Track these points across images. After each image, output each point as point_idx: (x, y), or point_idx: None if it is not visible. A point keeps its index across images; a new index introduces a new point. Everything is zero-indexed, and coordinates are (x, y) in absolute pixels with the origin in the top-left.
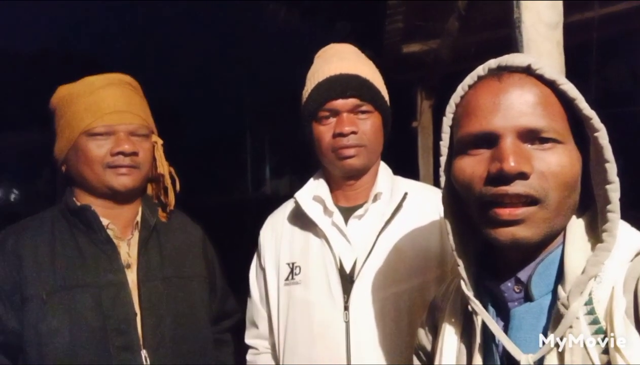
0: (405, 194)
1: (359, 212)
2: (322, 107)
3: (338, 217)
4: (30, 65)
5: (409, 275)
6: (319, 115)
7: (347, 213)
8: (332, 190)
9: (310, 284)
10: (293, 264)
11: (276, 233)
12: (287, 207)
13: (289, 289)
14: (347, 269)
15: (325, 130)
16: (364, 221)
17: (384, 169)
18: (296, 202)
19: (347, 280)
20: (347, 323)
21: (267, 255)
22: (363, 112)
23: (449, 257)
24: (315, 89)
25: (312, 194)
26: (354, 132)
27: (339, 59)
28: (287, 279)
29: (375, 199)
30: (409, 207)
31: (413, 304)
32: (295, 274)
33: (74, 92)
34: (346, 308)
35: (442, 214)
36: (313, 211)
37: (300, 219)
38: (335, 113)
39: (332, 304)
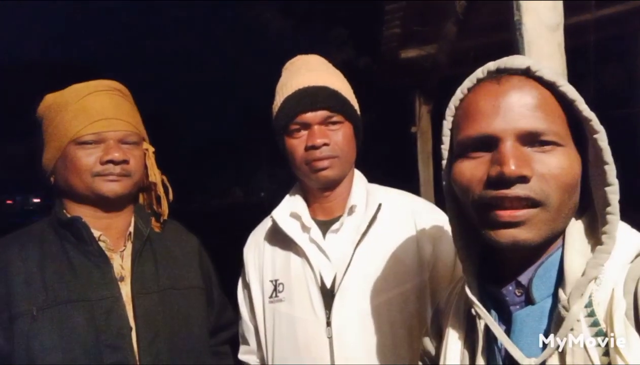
0: (380, 205)
1: (335, 226)
2: (293, 120)
3: (316, 232)
4: (22, 75)
5: (388, 286)
6: (290, 129)
7: (324, 227)
8: (308, 203)
9: (294, 301)
10: (276, 281)
11: (259, 250)
12: (267, 223)
13: (274, 306)
14: (328, 284)
15: (297, 144)
16: (341, 235)
17: (358, 179)
18: (273, 221)
19: (328, 296)
20: (330, 338)
21: (251, 273)
22: (334, 123)
23: (426, 264)
24: (284, 102)
25: (289, 210)
26: (326, 144)
27: (307, 70)
28: (271, 296)
29: (350, 212)
30: (384, 218)
31: (394, 314)
32: (279, 292)
33: (61, 101)
34: (329, 324)
35: (417, 222)
36: (290, 228)
37: (279, 236)
38: (306, 126)
39: (315, 321)
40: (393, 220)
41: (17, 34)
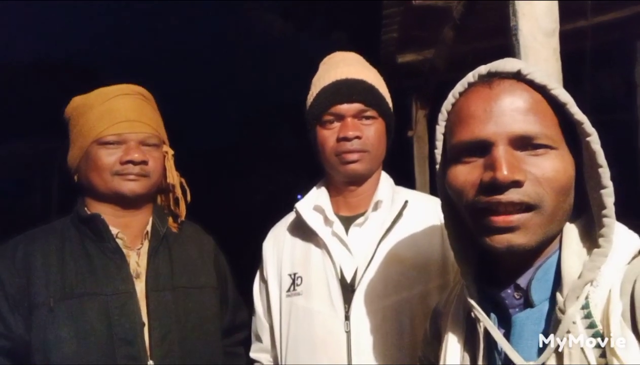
0: (406, 202)
1: (360, 220)
2: (327, 111)
3: (338, 226)
4: (23, 76)
5: (410, 284)
6: (323, 119)
7: (347, 222)
8: (333, 197)
9: (312, 294)
10: (295, 274)
11: (278, 245)
12: (289, 218)
13: (291, 300)
14: (348, 279)
15: (329, 135)
16: (365, 229)
17: (385, 178)
18: (297, 213)
19: (348, 290)
20: (348, 333)
21: (269, 268)
22: (367, 117)
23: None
24: (320, 92)
25: (313, 203)
26: (357, 137)
27: (345, 65)
28: (288, 290)
29: (375, 207)
30: (409, 216)
31: (414, 313)
32: (297, 285)
33: (87, 102)
34: (347, 318)
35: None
36: (313, 221)
37: (301, 229)
38: (340, 117)
39: (333, 314)
40: (419, 218)
41: (14, 33)
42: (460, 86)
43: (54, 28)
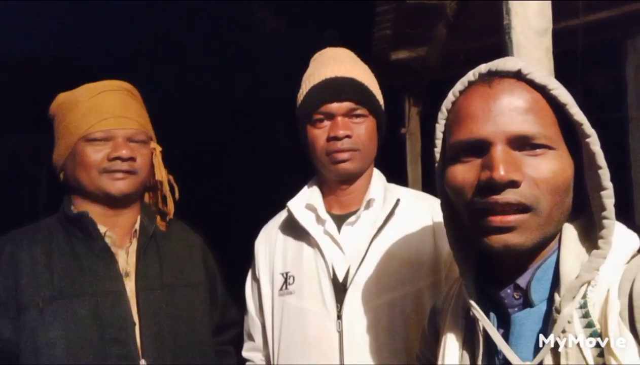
0: (398, 200)
1: (352, 219)
2: (317, 109)
3: (330, 225)
4: (19, 72)
5: (402, 283)
6: (313, 118)
7: (340, 220)
8: (325, 196)
9: (304, 293)
10: (287, 273)
11: (270, 243)
12: (281, 216)
13: (283, 299)
14: (340, 278)
15: (319, 134)
16: (357, 228)
17: (377, 176)
18: (289, 211)
19: (340, 289)
20: (340, 332)
21: (261, 266)
22: (358, 116)
23: (443, 263)
24: (310, 91)
25: (305, 202)
26: (348, 136)
27: (335, 62)
28: (281, 289)
29: (367, 205)
30: (401, 214)
31: (406, 312)
32: (289, 284)
33: (72, 99)
34: (339, 317)
35: (435, 221)
36: (305, 220)
37: (293, 227)
38: (330, 116)
39: (325, 314)
40: (411, 216)
41: (2, 29)
42: (460, 85)
43: (43, 24)
